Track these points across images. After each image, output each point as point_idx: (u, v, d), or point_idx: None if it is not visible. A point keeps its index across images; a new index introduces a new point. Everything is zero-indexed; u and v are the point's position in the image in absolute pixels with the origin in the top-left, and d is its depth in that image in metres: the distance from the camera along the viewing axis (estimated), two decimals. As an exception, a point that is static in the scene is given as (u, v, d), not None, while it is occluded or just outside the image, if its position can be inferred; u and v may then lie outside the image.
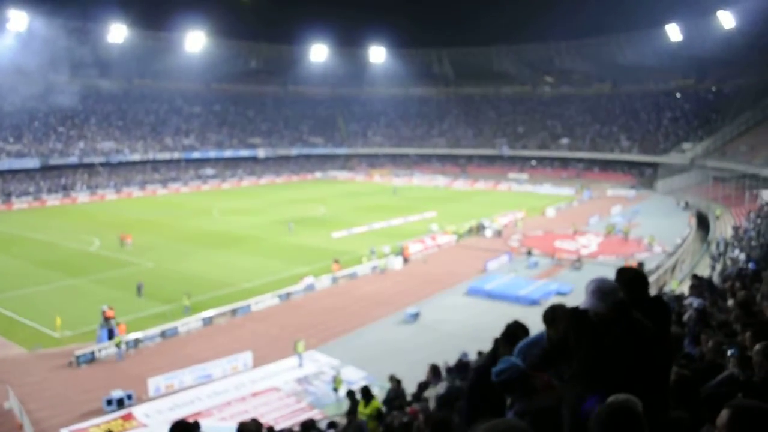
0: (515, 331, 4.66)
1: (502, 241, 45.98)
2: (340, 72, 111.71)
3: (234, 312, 29.21)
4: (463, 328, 26.77)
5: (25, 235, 49.71)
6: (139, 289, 32.10)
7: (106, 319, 26.45)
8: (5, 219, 58.21)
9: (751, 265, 17.90)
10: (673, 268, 34.08)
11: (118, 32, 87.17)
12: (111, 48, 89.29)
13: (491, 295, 31.32)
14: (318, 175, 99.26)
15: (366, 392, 11.38)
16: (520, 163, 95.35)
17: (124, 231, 47.63)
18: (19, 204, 67.36)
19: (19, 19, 76.65)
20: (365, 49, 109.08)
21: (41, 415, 18.99)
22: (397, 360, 21.99)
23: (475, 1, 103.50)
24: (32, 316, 28.81)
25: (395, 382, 14.03)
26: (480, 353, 15.09)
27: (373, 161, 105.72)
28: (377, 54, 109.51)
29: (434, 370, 13.39)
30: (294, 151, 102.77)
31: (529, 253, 40.63)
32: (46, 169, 75.70)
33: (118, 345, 24.60)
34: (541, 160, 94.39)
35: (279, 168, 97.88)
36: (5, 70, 76.52)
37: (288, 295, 31.92)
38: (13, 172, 73.15)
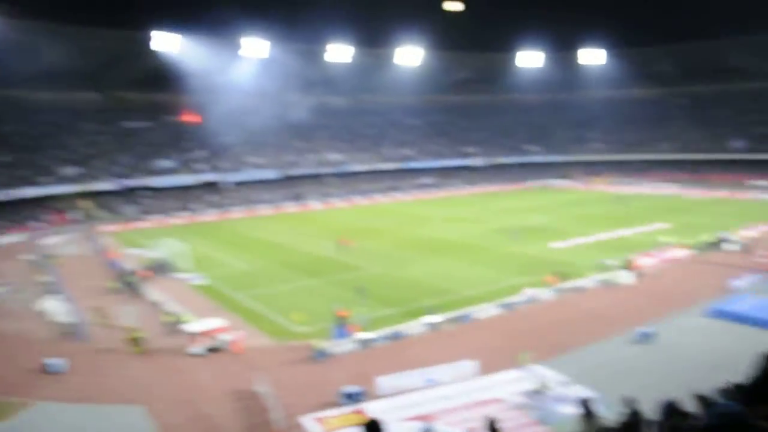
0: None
1: (747, 257, 41.02)
2: (553, 77, 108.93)
3: (457, 319, 29.64)
4: (704, 353, 24.22)
5: (267, 239, 55.54)
6: (360, 291, 34.04)
7: (340, 319, 28.42)
8: (251, 224, 65.54)
9: None
10: None
11: (344, 52, 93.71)
12: (337, 67, 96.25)
13: (740, 319, 27.88)
14: (534, 183, 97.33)
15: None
16: (762, 168, 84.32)
17: (345, 236, 51.01)
18: (261, 211, 75.32)
19: (261, 47, 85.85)
20: (578, 52, 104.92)
21: (283, 402, 20.82)
22: (629, 382, 20.62)
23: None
24: (276, 311, 32.01)
25: (631, 405, 13.07)
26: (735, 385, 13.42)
27: (591, 169, 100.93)
28: (591, 56, 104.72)
29: (703, 401, 12.08)
30: (509, 160, 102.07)
31: (783, 270, 35.69)
32: (283, 180, 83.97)
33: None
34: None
35: (495, 177, 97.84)
36: (250, 92, 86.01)
37: (510, 305, 31.62)
38: (256, 183, 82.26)
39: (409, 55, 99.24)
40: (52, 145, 76.92)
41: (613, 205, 70.41)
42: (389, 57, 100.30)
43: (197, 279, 39.81)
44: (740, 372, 5.29)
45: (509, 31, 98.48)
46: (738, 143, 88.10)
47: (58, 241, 56.93)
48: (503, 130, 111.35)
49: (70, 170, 72.53)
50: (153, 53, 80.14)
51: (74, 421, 20.47)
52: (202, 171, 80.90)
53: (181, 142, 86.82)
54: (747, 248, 43.35)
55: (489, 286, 35.13)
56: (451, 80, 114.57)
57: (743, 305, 29.46)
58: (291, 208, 77.68)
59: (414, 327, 28.55)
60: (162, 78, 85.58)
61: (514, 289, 33.87)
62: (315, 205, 79.57)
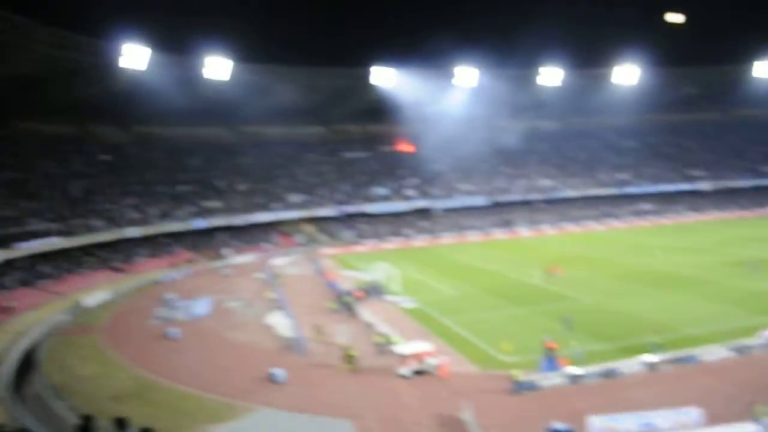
0: None
1: None
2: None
3: (679, 360, 26.69)
4: None
5: (476, 265, 55.51)
6: (567, 323, 32.37)
7: (548, 351, 27.13)
8: (459, 250, 66.10)
9: None
10: None
11: (556, 75, 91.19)
12: (549, 90, 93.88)
13: None
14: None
15: None
16: None
17: (555, 264, 49.15)
18: (470, 237, 75.66)
19: (472, 75, 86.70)
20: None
21: (486, 432, 20.25)
22: None
23: None
24: (483, 338, 31.56)
25: None
26: None
27: None
28: None
29: None
30: (743, 183, 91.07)
31: None
32: (492, 206, 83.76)
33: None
34: None
35: (726, 202, 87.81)
36: (461, 120, 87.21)
37: (744, 348, 27.70)
38: (466, 209, 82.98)
39: (626, 74, 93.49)
40: (282, 174, 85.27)
41: None
42: (603, 77, 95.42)
43: (407, 302, 40.90)
44: None
45: (742, 40, 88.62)
46: None
47: (284, 261, 62.47)
48: (735, 150, 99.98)
49: (296, 197, 79.51)
50: (372, 87, 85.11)
51: (289, 428, 22.00)
52: (413, 198, 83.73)
53: (395, 170, 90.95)
54: None
55: (718, 326, 31.23)
56: (672, 98, 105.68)
57: None
58: (500, 234, 76.99)
59: (630, 365, 26.25)
60: (379, 110, 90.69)
61: (749, 331, 29.66)
62: (524, 232, 78.00)
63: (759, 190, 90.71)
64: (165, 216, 67.51)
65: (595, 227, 79.64)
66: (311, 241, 74.63)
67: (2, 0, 48.93)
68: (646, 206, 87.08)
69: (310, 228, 76.74)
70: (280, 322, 36.09)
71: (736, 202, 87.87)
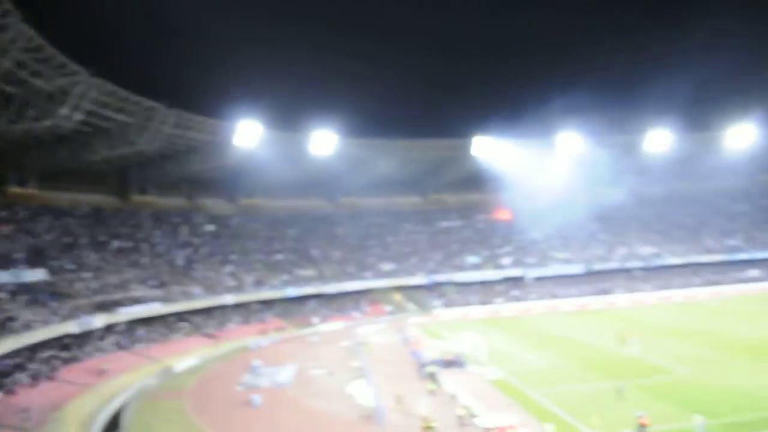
0: None
1: None
2: None
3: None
4: None
5: (568, 335, 53.12)
6: (619, 392, 31.06)
7: (641, 427, 25.35)
8: (551, 320, 63.66)
9: None
10: None
11: (659, 139, 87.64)
12: (650, 156, 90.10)
13: None
14: None
15: None
16: None
17: (632, 330, 47.35)
18: (563, 306, 72.77)
19: (575, 142, 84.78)
20: None
21: None
22: None
23: None
24: (571, 412, 29.85)
25: None
26: None
27: None
28: None
29: None
30: None
31: None
32: (588, 274, 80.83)
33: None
34: None
35: None
36: (560, 187, 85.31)
37: None
38: (560, 277, 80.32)
39: (739, 135, 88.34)
40: (375, 244, 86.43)
41: None
42: (714, 139, 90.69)
43: (493, 373, 39.54)
44: None
45: None
46: None
47: (371, 330, 62.41)
48: None
49: (387, 266, 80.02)
50: (471, 157, 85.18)
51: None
52: (506, 266, 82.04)
53: (490, 238, 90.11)
54: None
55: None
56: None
57: None
58: (595, 304, 73.47)
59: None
60: (477, 179, 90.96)
61: None
62: (622, 301, 74.09)
63: None
64: (259, 284, 69.66)
65: (701, 295, 74.43)
66: (399, 309, 74.34)
67: (134, 85, 53.64)
68: (756, 273, 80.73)
69: (398, 296, 76.59)
70: (362, 391, 35.77)
71: None
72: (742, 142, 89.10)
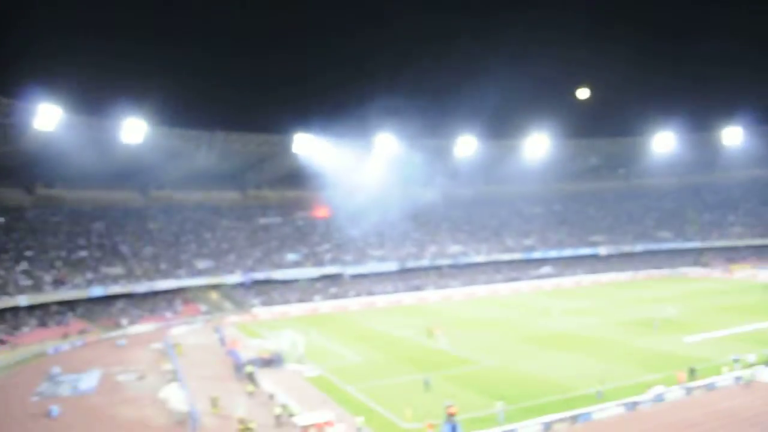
0: None
1: None
2: (689, 159, 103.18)
3: (574, 419, 27.18)
4: None
5: (382, 331, 55.14)
6: (426, 384, 33.48)
7: (450, 417, 26.89)
8: (368, 316, 65.64)
9: None
10: None
11: (468, 145, 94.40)
12: (460, 160, 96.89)
13: None
14: (666, 272, 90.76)
15: None
16: None
17: (436, 324, 51.32)
18: (379, 302, 75.46)
19: (392, 144, 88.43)
20: (717, 132, 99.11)
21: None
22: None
23: None
24: (386, 405, 31.01)
25: None
26: None
27: (731, 255, 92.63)
28: (732, 135, 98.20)
29: None
30: (638, 247, 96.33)
31: None
32: (402, 272, 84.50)
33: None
34: None
35: (622, 265, 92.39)
36: (377, 187, 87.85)
37: (634, 404, 28.65)
38: (377, 275, 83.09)
39: (536, 145, 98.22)
40: (191, 240, 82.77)
41: (755, 295, 63.88)
42: (515, 147, 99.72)
43: (311, 370, 39.81)
44: None
45: (641, 115, 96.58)
46: None
47: (185, 330, 59.83)
48: (632, 216, 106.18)
49: (204, 263, 77.08)
50: (292, 154, 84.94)
51: None
52: (325, 263, 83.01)
53: (309, 236, 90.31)
54: None
55: (612, 383, 32.12)
56: (578, 168, 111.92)
57: None
58: (408, 300, 77.15)
59: (529, 426, 26.46)
60: (297, 177, 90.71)
61: (641, 388, 30.83)
62: (433, 297, 78.56)
63: (653, 254, 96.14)
64: (59, 283, 63.57)
65: (501, 291, 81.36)
66: (216, 309, 72.04)
67: None
68: (549, 270, 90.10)
69: (215, 295, 74.19)
70: (175, 395, 34.12)
71: (631, 265, 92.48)
72: (539, 151, 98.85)
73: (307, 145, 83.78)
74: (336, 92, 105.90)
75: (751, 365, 33.75)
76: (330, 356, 44.52)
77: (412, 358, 42.56)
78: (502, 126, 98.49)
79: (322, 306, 73.90)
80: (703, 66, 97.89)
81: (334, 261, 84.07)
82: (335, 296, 77.41)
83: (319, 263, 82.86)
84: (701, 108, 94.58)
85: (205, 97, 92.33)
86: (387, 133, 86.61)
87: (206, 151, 79.58)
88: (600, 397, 29.37)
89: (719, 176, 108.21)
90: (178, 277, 72.98)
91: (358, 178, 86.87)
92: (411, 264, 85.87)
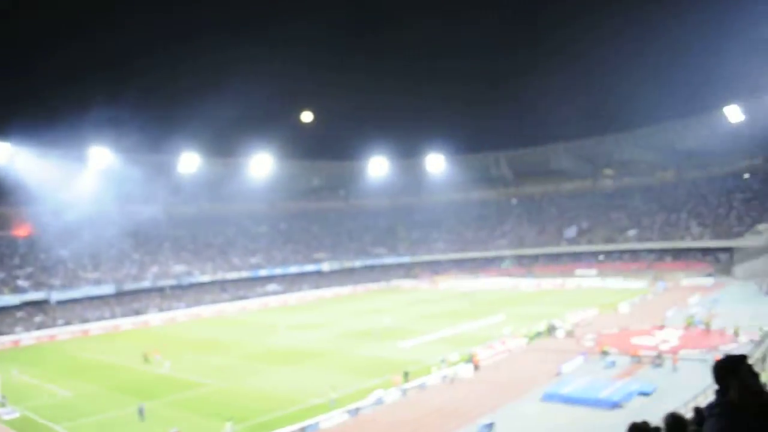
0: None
1: (575, 342, 43.89)
2: (400, 182, 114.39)
3: (303, 430, 28.34)
4: (540, 437, 25.02)
5: (100, 360, 50.88)
6: (140, 412, 31.93)
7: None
8: (81, 345, 60.03)
9: None
10: (764, 359, 31.38)
11: (190, 161, 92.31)
12: (183, 177, 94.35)
13: (569, 400, 29.41)
14: (382, 284, 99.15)
15: None
16: (587, 258, 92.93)
17: (153, 348, 49.43)
18: (94, 330, 69.40)
19: (108, 158, 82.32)
20: (423, 158, 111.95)
21: None
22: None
23: (528, 102, 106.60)
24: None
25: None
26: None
27: (436, 268, 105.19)
28: (435, 162, 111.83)
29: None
30: (358, 263, 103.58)
31: (605, 352, 38.43)
32: (121, 295, 78.68)
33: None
34: (609, 254, 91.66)
35: (343, 280, 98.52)
36: (91, 204, 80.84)
37: (357, 410, 30.90)
38: (91, 299, 76.12)
39: (261, 164, 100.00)
40: None
41: (456, 302, 73.11)
42: (240, 165, 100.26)
43: (10, 413, 35.08)
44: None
45: (358, 141, 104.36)
46: (571, 233, 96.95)
47: None
48: (352, 234, 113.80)
49: None
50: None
51: None
52: (27, 289, 73.46)
53: (6, 258, 79.10)
54: (573, 333, 46.50)
55: (340, 392, 34.10)
56: (302, 188, 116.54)
57: (570, 387, 31.19)
58: (128, 324, 72.28)
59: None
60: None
61: (363, 393, 33.31)
62: (155, 320, 74.72)
63: (371, 269, 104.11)
64: None
65: (229, 310, 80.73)
66: None
67: None
68: (275, 287, 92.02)
69: None
70: None
71: (352, 279, 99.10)
72: (263, 170, 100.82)
73: (5, 155, 74.03)
74: (44, 97, 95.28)
75: (454, 363, 38.61)
76: (34, 394, 39.62)
77: (129, 387, 39.86)
78: (226, 144, 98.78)
79: (24, 338, 65.32)
80: (412, 98, 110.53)
81: (38, 286, 74.97)
82: (41, 326, 69.02)
83: (20, 289, 73.25)
84: (410, 136, 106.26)
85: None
86: (101, 146, 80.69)
87: None
88: (333, 405, 30.90)
89: (425, 198, 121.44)
90: None
91: (70, 193, 79.12)
92: (130, 286, 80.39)
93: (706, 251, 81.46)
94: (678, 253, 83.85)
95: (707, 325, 44.58)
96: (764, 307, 50.21)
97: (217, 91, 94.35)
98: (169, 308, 79.32)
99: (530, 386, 32.90)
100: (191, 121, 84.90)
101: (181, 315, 77.51)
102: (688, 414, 4.56)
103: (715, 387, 3.56)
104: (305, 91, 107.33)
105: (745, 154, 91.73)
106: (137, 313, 76.25)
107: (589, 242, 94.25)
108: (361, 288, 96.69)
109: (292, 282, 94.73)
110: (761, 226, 74.75)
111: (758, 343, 35.00)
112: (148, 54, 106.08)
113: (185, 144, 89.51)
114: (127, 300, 78.83)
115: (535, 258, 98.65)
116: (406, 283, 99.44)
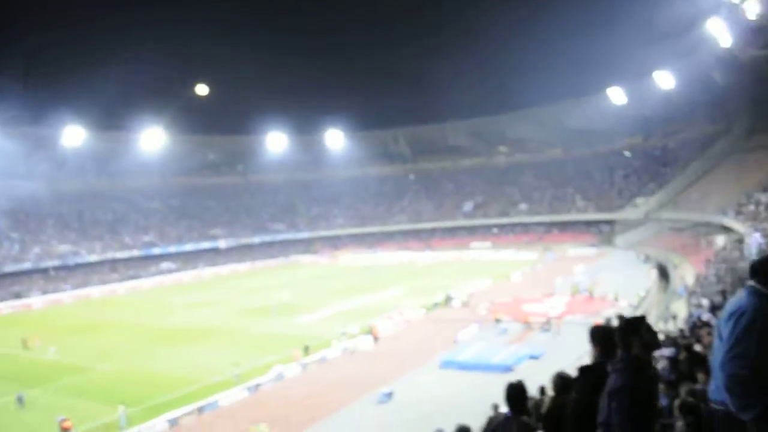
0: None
1: (470, 311, 45.53)
2: (298, 158, 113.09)
3: (201, 410, 27.76)
4: (438, 403, 25.85)
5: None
6: (19, 400, 30.39)
7: (64, 431, 24.98)
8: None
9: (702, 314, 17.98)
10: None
11: (75, 135, 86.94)
12: (67, 151, 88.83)
13: (465, 366, 30.61)
14: (281, 260, 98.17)
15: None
16: (482, 231, 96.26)
17: (32, 332, 46.98)
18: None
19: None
20: (322, 135, 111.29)
21: None
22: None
23: (427, 81, 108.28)
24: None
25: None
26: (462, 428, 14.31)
27: (336, 243, 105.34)
28: (334, 138, 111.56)
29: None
30: (256, 239, 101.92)
31: (498, 319, 40.17)
32: (-1, 277, 73.34)
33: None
34: (502, 227, 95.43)
35: (241, 257, 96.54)
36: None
37: (257, 386, 30.64)
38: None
39: (152, 138, 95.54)
40: None
41: (355, 276, 73.73)
42: (130, 140, 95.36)
43: None
44: (467, 413, 5.46)
45: (255, 115, 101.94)
46: (468, 208, 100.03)
47: None
48: (250, 210, 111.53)
49: None
50: None
51: None
52: None
53: None
54: (469, 303, 48.26)
55: (239, 369, 33.62)
56: (197, 163, 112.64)
57: (466, 354, 32.45)
58: (8, 309, 67.50)
59: (155, 425, 26.08)
60: None
61: (263, 369, 33.04)
62: (38, 303, 70.21)
63: (270, 245, 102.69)
64: None
65: (120, 291, 77.11)
66: None
67: None
68: (170, 265, 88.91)
69: None
70: None
71: (250, 256, 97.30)
72: (155, 145, 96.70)
73: None
74: None
75: (354, 336, 39.03)
76: None
77: (8, 375, 37.42)
78: (115, 117, 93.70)
79: None
80: (312, 74, 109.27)
81: None
82: None
83: None
84: (309, 112, 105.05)
85: None
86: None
87: None
88: (237, 381, 30.64)
89: (325, 174, 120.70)
90: None
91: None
92: (9, 268, 74.84)
93: (590, 223, 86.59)
94: (565, 226, 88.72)
95: (591, 292, 47.58)
96: (642, 273, 54.14)
97: (105, 60, 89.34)
98: (55, 290, 74.73)
99: (428, 355, 33.87)
100: (76, 92, 79.99)
101: (67, 297, 73.28)
102: (574, 373, 4.94)
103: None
104: (201, 64, 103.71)
105: (627, 133, 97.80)
106: (17, 296, 71.28)
107: (485, 216, 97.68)
108: (259, 264, 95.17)
109: (187, 260, 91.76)
110: (639, 200, 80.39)
111: (635, 307, 37.79)
112: (28, 20, 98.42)
113: (69, 117, 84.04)
114: (6, 283, 73.32)
115: (433, 232, 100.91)
116: (306, 259, 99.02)
